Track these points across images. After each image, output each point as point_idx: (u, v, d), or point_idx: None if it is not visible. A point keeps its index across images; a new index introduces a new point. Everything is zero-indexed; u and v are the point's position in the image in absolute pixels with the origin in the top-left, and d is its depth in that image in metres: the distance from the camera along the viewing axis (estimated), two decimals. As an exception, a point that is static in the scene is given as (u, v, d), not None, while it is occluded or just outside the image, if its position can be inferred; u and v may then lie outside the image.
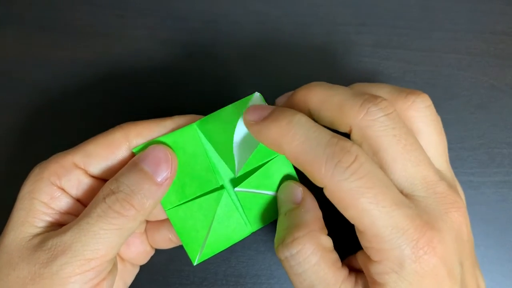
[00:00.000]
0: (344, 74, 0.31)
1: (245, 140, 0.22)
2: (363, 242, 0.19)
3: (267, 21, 0.31)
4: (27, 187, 0.21)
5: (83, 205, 0.22)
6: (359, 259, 0.21)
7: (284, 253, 0.20)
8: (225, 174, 0.23)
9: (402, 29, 0.31)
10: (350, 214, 0.18)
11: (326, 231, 0.21)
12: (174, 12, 0.31)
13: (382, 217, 0.18)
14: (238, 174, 0.22)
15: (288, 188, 0.22)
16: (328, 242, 0.21)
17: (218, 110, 0.22)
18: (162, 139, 0.22)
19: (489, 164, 0.30)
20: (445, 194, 0.20)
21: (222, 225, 0.23)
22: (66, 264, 0.19)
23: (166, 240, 0.25)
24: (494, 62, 0.31)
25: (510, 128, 0.30)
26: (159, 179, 0.20)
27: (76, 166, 0.21)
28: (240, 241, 0.24)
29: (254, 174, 0.23)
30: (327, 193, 0.19)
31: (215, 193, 0.22)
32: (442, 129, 0.22)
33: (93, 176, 0.22)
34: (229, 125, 0.22)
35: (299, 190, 0.22)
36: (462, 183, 0.29)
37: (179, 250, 0.28)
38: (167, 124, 0.22)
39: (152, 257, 0.27)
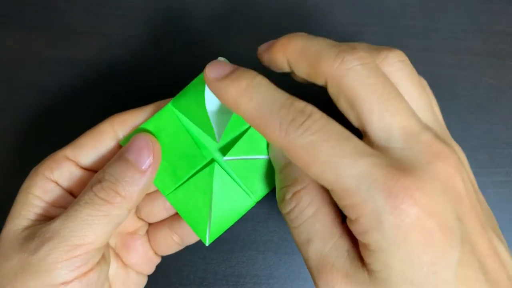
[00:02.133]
0: (344, 74, 0.31)
1: (219, 107, 0.22)
2: (337, 202, 0.18)
3: (267, 20, 0.31)
4: (25, 183, 0.22)
5: (75, 196, 0.22)
6: (349, 226, 0.19)
7: (285, 209, 0.20)
8: (212, 147, 0.23)
9: (402, 29, 0.31)
10: (313, 171, 0.17)
11: None
12: (175, 12, 0.31)
13: (344, 168, 0.17)
14: (220, 141, 0.22)
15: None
16: (326, 193, 0.20)
17: (188, 85, 0.22)
18: (144, 126, 0.22)
19: (489, 164, 0.30)
20: (429, 144, 0.18)
21: (222, 199, 0.23)
22: (53, 250, 0.19)
23: (169, 241, 0.25)
24: (494, 62, 0.31)
25: (510, 128, 0.30)
26: (142, 167, 0.21)
27: (67, 159, 0.22)
28: (246, 212, 0.23)
29: (240, 140, 0.22)
30: (286, 154, 0.18)
31: (207, 169, 0.22)
32: (421, 82, 0.21)
33: (84, 168, 0.23)
34: (199, 96, 0.21)
35: None
36: (462, 183, 0.30)
37: (179, 250, 0.28)
38: (148, 109, 0.23)
39: (152, 257, 0.27)
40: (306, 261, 0.20)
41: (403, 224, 0.16)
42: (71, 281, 0.20)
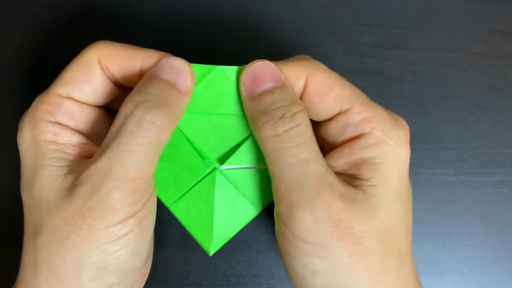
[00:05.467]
0: (344, 74, 0.30)
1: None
2: (350, 119, 0.21)
3: (267, 20, 0.31)
4: (26, 135, 0.20)
5: (84, 135, 0.21)
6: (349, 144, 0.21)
7: (282, 127, 0.19)
8: (214, 156, 0.22)
9: (402, 29, 0.31)
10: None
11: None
12: (176, 12, 0.31)
13: None
14: (220, 151, 0.22)
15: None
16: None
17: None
18: None
19: (489, 164, 0.30)
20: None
21: (225, 207, 0.22)
22: (113, 190, 0.18)
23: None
24: (494, 62, 0.31)
25: (510, 128, 0.30)
26: (182, 89, 0.20)
27: (62, 97, 0.20)
28: (248, 224, 0.23)
29: (239, 149, 0.22)
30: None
31: (209, 177, 0.22)
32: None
33: (82, 102, 0.21)
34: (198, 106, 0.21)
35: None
36: (462, 183, 0.30)
37: (179, 250, 0.28)
38: (139, 54, 0.21)
39: (152, 257, 0.27)
40: (301, 181, 0.19)
41: (406, 143, 0.20)
42: (132, 216, 0.19)
